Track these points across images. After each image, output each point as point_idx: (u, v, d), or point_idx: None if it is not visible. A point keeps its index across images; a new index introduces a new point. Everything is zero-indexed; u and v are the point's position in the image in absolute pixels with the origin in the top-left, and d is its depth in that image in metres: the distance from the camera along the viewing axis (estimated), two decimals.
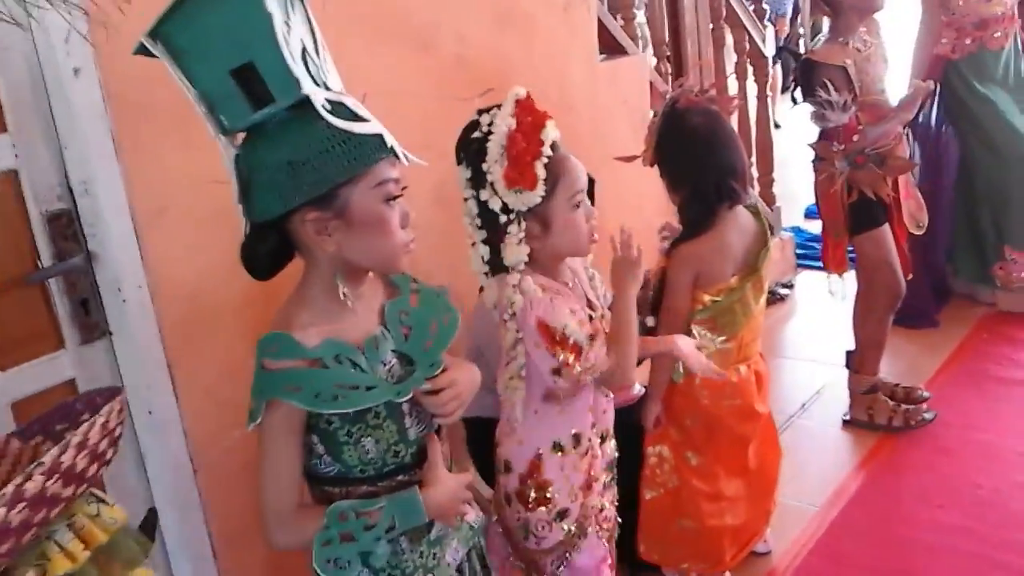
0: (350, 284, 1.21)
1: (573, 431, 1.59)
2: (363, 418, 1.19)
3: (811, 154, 2.81)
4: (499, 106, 1.48)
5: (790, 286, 4.23)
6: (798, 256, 4.42)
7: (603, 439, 1.65)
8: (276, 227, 1.16)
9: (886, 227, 2.75)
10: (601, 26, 3.10)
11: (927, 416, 2.80)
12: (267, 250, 1.17)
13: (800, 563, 2.24)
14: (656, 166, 2.01)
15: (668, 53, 3.52)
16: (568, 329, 1.47)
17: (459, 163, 1.50)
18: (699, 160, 1.90)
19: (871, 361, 2.88)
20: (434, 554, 1.28)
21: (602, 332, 1.56)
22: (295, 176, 1.10)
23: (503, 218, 1.45)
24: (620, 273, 1.62)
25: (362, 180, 1.14)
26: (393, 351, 1.24)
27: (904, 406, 2.82)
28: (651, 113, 2.01)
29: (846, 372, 3.05)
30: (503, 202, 1.44)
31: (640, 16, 3.58)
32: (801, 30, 6.78)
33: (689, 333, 1.96)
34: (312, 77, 1.14)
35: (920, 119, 3.30)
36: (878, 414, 2.84)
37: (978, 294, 3.68)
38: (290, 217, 1.14)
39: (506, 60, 2.60)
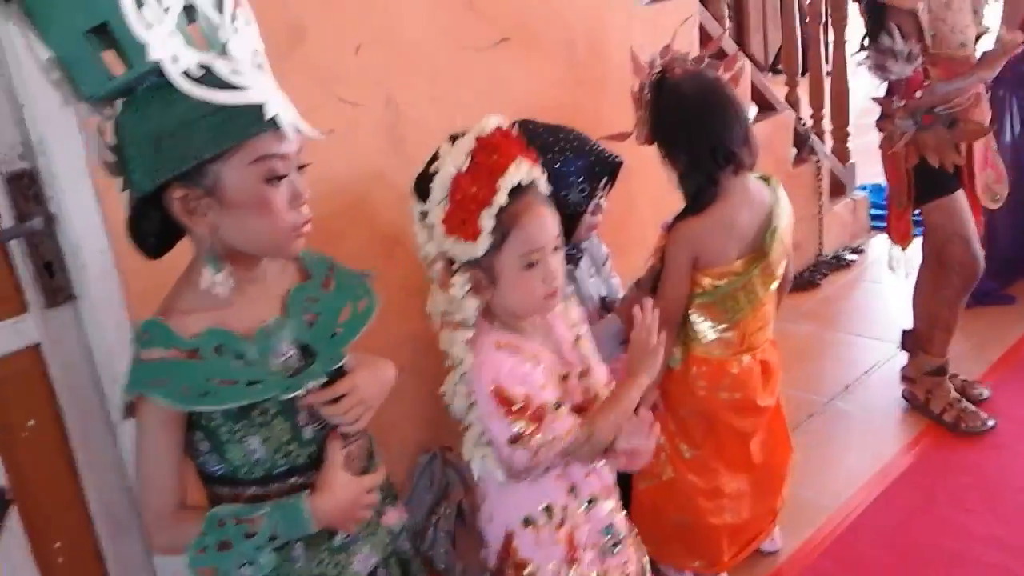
0: (239, 267, 1.10)
1: (544, 504, 1.41)
2: (248, 415, 1.10)
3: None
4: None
5: (860, 251, 3.93)
6: (873, 218, 4.08)
7: (592, 502, 1.45)
8: (154, 203, 1.06)
9: (959, 195, 2.44)
10: None
11: (982, 426, 2.50)
12: (151, 228, 1.08)
13: (808, 565, 2.08)
14: (654, 144, 1.81)
15: None
16: (528, 395, 1.31)
17: (415, 196, 1.36)
18: (690, 128, 1.71)
19: (939, 343, 2.59)
20: (338, 562, 1.19)
21: (576, 396, 1.41)
22: (160, 150, 1.00)
23: (439, 265, 1.32)
24: (635, 357, 1.43)
25: (235, 156, 1.02)
26: (293, 341, 1.14)
27: (962, 404, 2.55)
28: (637, 85, 1.80)
29: (900, 354, 2.81)
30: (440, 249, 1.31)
31: None
32: None
33: (687, 319, 1.79)
34: (206, 39, 1.02)
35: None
36: (936, 400, 2.58)
37: None
38: (163, 194, 1.04)
39: (525, 5, 2.41)
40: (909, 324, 2.77)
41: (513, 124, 1.95)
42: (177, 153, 1.00)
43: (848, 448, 2.51)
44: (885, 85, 2.46)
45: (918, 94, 2.35)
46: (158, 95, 0.99)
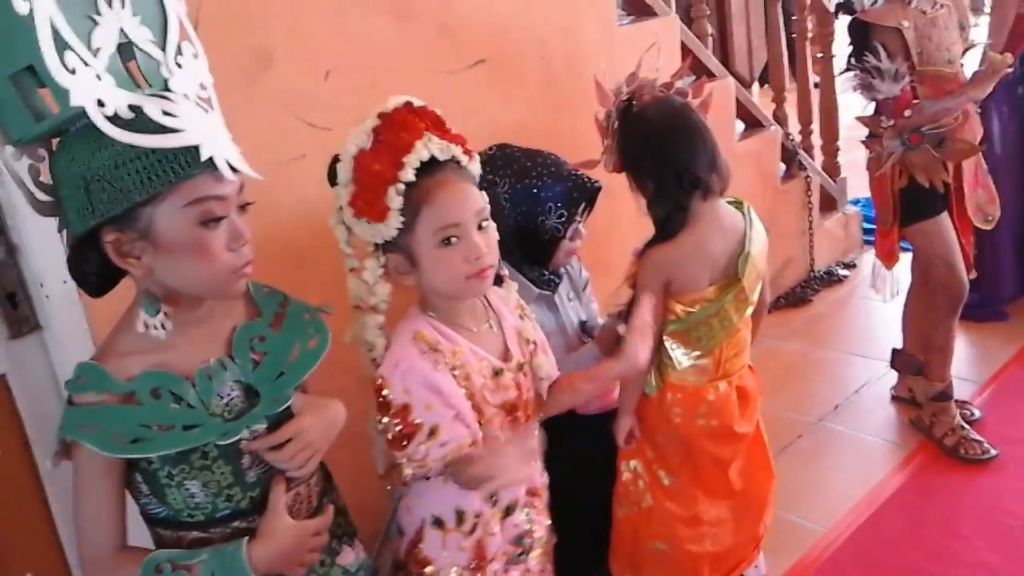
0: (182, 308, 1.08)
1: (456, 506, 1.36)
2: (187, 459, 1.07)
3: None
4: None
5: (851, 266, 3.90)
6: (866, 232, 4.05)
7: (508, 512, 1.40)
8: (91, 244, 1.03)
9: (942, 218, 2.40)
10: None
11: (983, 455, 2.42)
12: (91, 267, 1.05)
13: None
14: (622, 172, 1.77)
15: (708, 12, 3.20)
16: (407, 407, 1.24)
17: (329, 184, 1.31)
18: (655, 154, 1.68)
19: (937, 367, 2.52)
20: None
21: (509, 392, 1.35)
22: (90, 193, 0.97)
23: (348, 250, 1.27)
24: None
25: (168, 198, 0.99)
26: (236, 382, 1.11)
27: (965, 430, 2.47)
28: (603, 113, 1.77)
29: (891, 372, 2.77)
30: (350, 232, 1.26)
31: None
32: None
33: (660, 347, 1.76)
34: (145, 77, 1.00)
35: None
36: (939, 425, 2.51)
37: None
38: (97, 236, 1.01)
39: (500, 27, 2.39)
40: (900, 343, 2.74)
41: (491, 148, 1.94)
42: (106, 197, 0.97)
43: (837, 470, 2.47)
44: (872, 104, 2.43)
45: (907, 113, 2.31)
46: (88, 136, 0.96)
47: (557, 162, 1.97)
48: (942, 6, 2.34)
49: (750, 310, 1.78)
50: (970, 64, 2.43)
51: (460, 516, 1.35)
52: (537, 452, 1.43)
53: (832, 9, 3.36)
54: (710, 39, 3.18)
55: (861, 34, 2.35)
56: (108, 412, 1.02)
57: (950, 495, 2.29)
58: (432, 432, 1.25)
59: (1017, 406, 2.63)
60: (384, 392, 1.24)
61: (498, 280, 1.42)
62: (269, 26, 1.90)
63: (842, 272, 3.85)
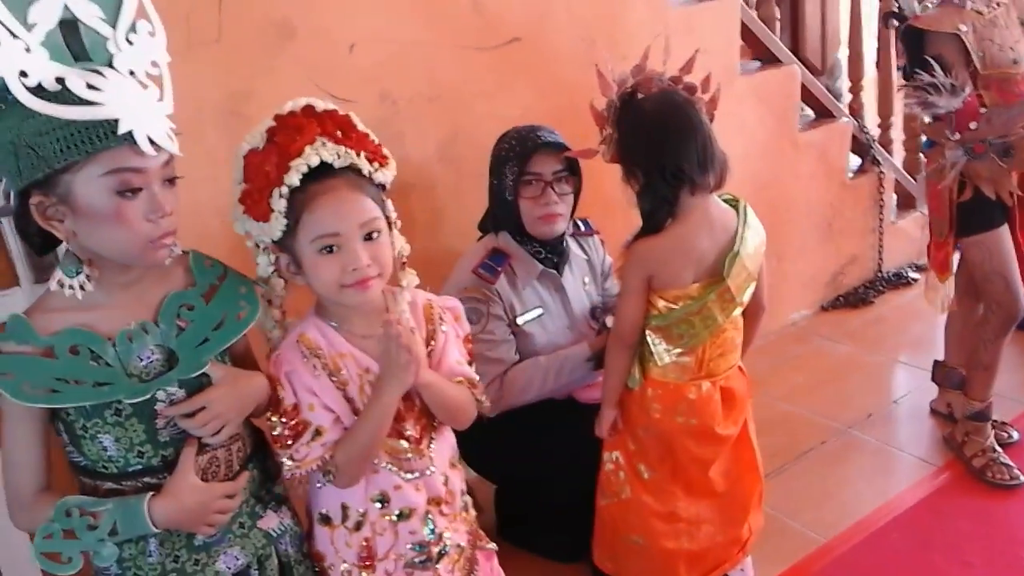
0: (111, 272, 1.15)
1: (341, 502, 1.37)
2: (100, 413, 1.14)
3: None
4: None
5: (924, 269, 3.69)
6: None
7: (403, 516, 1.38)
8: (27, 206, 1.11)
9: (1002, 231, 2.26)
10: None
11: (1010, 480, 2.29)
12: (31, 229, 1.12)
13: None
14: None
15: None
16: (296, 406, 1.28)
17: None
18: (645, 145, 1.65)
19: (979, 384, 2.39)
20: (197, 560, 1.23)
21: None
22: (18, 159, 1.05)
23: (250, 243, 1.30)
24: (382, 372, 1.31)
25: (85, 167, 1.05)
26: (158, 346, 1.17)
27: (995, 453, 2.34)
28: (605, 104, 1.74)
29: (933, 386, 2.65)
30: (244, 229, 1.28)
31: None
32: None
33: (642, 341, 1.74)
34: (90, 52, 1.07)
35: None
36: (971, 444, 2.39)
37: None
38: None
39: (537, 4, 2.37)
40: (942, 355, 2.60)
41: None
42: (30, 163, 1.04)
43: (853, 481, 2.38)
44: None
45: (973, 125, 2.16)
46: (20, 105, 1.04)
47: (537, 128, 1.98)
48: (999, 4, 2.18)
49: (738, 311, 1.74)
50: None
51: (345, 512, 1.38)
52: (437, 460, 1.42)
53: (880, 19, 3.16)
54: (777, 23, 3.05)
55: (915, 43, 2.20)
56: (24, 362, 1.10)
57: (966, 519, 2.18)
58: (317, 432, 1.29)
59: None
60: (279, 391, 1.28)
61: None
62: (292, 1, 1.95)
63: (913, 275, 3.67)
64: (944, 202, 2.30)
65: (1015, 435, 2.47)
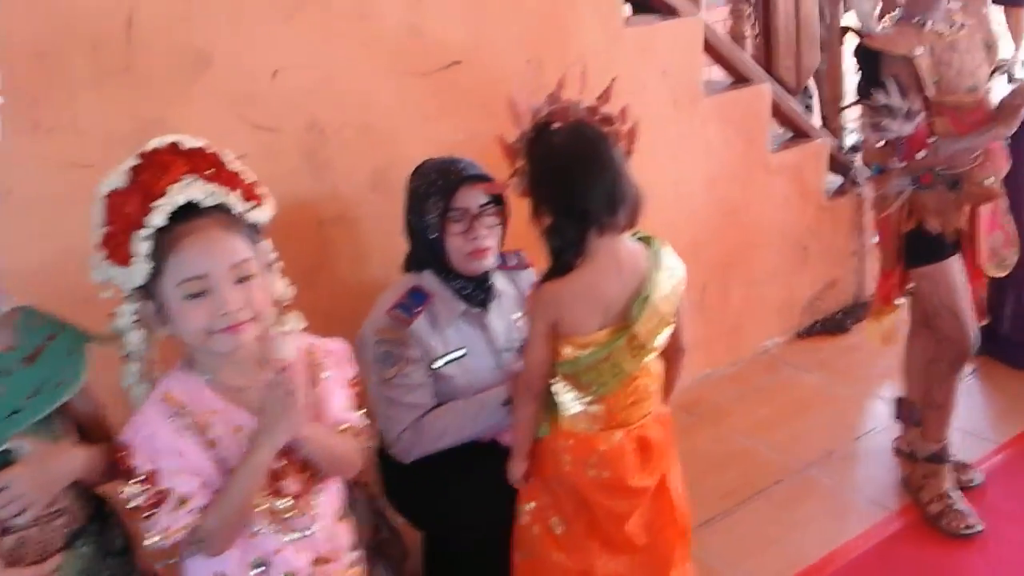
0: None
1: (213, 571, 1.29)
2: None
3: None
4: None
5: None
6: None
7: None
8: None
9: (952, 263, 2.16)
10: None
11: (964, 529, 2.18)
12: None
13: None
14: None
15: (749, 11, 2.97)
16: (154, 474, 1.19)
17: None
18: (552, 182, 1.57)
19: (934, 424, 2.29)
20: None
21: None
22: None
23: (107, 293, 1.23)
24: (262, 426, 1.23)
25: None
26: None
27: (952, 499, 2.24)
28: (518, 134, 1.66)
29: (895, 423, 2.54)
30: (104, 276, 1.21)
31: None
32: None
33: (549, 388, 1.67)
34: None
35: None
36: (928, 489, 2.28)
37: None
38: None
39: (480, 28, 2.29)
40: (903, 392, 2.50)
41: None
42: None
43: (803, 525, 2.29)
44: None
45: (920, 154, 2.05)
46: None
47: (452, 161, 1.91)
48: (962, 25, 2.06)
49: (651, 357, 1.65)
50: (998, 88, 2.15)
51: None
52: (322, 515, 1.35)
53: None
54: (747, 41, 2.95)
55: (871, 63, 2.10)
56: None
57: (916, 570, 2.08)
58: (182, 501, 1.21)
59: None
60: (129, 460, 1.20)
61: None
62: (209, 27, 1.89)
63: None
64: (890, 231, 2.20)
65: (978, 478, 2.36)
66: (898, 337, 2.37)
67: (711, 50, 2.83)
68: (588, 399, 1.65)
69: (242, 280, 1.20)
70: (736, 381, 3.03)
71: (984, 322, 2.30)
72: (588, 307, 1.59)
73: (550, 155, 1.59)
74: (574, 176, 1.55)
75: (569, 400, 1.66)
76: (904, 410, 2.49)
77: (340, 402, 1.38)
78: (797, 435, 2.69)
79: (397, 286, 1.96)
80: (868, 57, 2.11)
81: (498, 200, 1.92)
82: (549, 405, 1.69)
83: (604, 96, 1.66)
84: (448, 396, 1.94)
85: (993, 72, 2.16)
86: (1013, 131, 2.08)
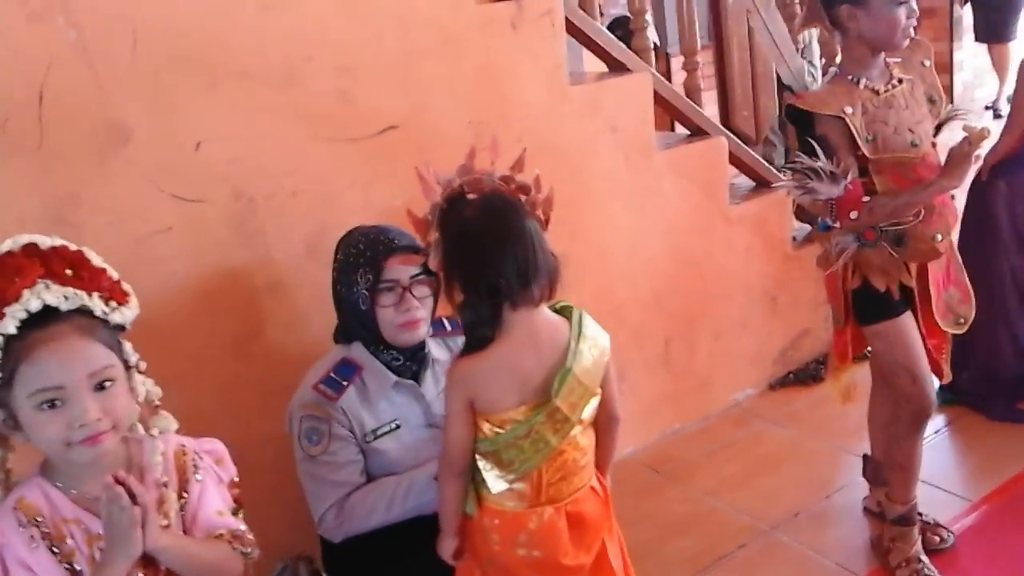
0: None
1: None
2: None
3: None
4: None
5: None
6: None
7: None
8: None
9: (905, 320, 2.07)
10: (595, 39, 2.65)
11: None
12: None
13: None
14: None
15: (700, 64, 2.95)
16: None
17: None
18: (462, 258, 1.52)
19: (898, 486, 2.20)
20: None
21: None
22: None
23: None
24: (107, 541, 1.15)
25: None
26: None
27: (921, 564, 2.14)
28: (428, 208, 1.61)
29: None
30: None
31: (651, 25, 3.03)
32: None
33: (471, 466, 1.59)
34: None
35: None
36: (896, 552, 2.19)
37: None
38: None
39: (417, 92, 2.26)
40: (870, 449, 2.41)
41: None
42: None
43: None
44: None
45: (853, 214, 1.97)
46: None
47: (381, 231, 1.87)
48: (900, 81, 2.02)
49: (577, 430, 1.58)
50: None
51: None
52: None
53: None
54: (701, 93, 2.92)
55: (803, 122, 2.03)
56: None
57: None
58: None
59: (1001, 540, 2.24)
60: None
61: None
62: (127, 99, 1.86)
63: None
64: (837, 289, 2.13)
65: (950, 539, 2.26)
66: (857, 394, 2.28)
67: (664, 104, 2.80)
68: (511, 476, 1.58)
69: (101, 387, 1.14)
70: (705, 436, 2.95)
71: (946, 381, 2.23)
72: (504, 383, 1.52)
73: (459, 229, 1.54)
74: (485, 249, 1.49)
75: (493, 478, 1.58)
76: (870, 469, 2.40)
77: (215, 505, 1.31)
78: (765, 494, 2.59)
79: (326, 359, 1.90)
80: (800, 117, 2.05)
81: (429, 271, 1.87)
82: (474, 483, 1.62)
83: (517, 165, 1.61)
84: (383, 471, 1.88)
85: (939, 126, 2.10)
86: (959, 185, 2.01)
